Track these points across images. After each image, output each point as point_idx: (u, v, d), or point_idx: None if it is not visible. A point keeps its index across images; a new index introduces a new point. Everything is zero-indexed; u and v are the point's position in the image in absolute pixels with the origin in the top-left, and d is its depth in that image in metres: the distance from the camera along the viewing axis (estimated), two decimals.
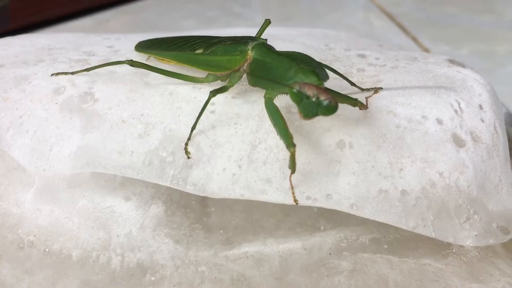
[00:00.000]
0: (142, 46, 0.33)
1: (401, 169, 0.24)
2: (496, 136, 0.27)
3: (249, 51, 0.26)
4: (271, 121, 0.24)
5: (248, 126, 0.25)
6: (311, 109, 0.22)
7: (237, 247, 0.29)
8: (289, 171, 0.24)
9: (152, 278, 0.28)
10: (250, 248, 0.29)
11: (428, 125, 0.25)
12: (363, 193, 0.24)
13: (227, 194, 0.25)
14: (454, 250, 0.29)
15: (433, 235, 0.24)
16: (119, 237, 0.29)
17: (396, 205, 0.24)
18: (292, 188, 0.24)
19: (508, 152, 0.29)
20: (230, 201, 0.33)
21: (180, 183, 0.26)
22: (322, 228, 0.30)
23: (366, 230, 0.29)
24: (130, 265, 0.29)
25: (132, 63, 0.27)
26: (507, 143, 0.29)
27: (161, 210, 0.31)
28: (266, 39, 0.27)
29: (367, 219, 0.31)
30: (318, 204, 0.24)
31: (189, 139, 0.25)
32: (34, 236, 0.29)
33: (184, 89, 0.27)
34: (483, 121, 0.27)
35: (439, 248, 0.29)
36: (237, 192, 0.25)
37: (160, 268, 0.29)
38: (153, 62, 0.31)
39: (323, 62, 0.26)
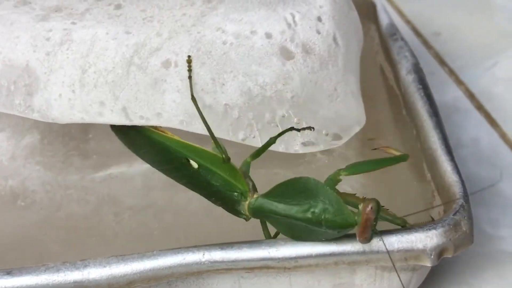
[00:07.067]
0: None
1: (223, 84, 0.25)
2: (335, 47, 0.27)
3: None
4: None
5: (79, 51, 0.25)
6: None
7: (104, 170, 0.31)
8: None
9: (22, 204, 0.30)
10: (116, 170, 0.31)
11: (256, 39, 0.26)
12: (190, 109, 0.25)
13: (69, 119, 0.26)
14: (306, 159, 0.31)
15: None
16: None
17: (221, 118, 0.25)
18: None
19: (356, 61, 0.30)
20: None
21: (26, 111, 0.27)
22: None
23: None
24: (3, 193, 0.30)
25: None
26: (354, 53, 0.30)
27: (35, 140, 0.33)
28: None
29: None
30: (151, 123, 0.25)
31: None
32: None
33: (24, 18, 0.27)
34: (319, 33, 0.27)
35: (294, 159, 0.30)
36: (77, 116, 0.26)
37: (30, 193, 0.30)
38: None
39: None
